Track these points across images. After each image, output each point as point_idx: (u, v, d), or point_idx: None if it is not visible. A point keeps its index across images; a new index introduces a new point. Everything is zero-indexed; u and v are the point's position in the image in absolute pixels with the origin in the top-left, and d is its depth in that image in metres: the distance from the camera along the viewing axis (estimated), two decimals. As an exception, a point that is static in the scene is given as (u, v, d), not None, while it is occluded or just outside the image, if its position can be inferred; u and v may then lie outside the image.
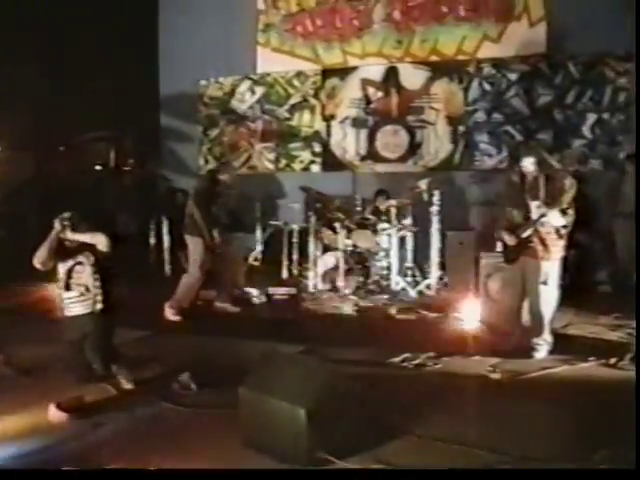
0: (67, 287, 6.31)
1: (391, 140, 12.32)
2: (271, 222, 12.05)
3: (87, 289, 6.26)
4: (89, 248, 6.30)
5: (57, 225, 6.17)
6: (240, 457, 4.77)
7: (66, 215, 6.25)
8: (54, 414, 5.54)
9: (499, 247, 7.80)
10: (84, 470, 4.15)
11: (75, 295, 6.28)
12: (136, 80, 13.53)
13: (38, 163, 15.59)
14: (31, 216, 13.84)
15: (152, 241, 12.55)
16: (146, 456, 4.70)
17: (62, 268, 6.30)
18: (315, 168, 12.98)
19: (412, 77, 12.19)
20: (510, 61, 11.52)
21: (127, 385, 6.14)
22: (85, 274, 6.28)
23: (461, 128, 11.90)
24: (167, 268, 12.07)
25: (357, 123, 12.53)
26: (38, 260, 6.20)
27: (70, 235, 6.23)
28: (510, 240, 6.99)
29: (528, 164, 6.83)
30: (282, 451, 4.67)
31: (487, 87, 11.72)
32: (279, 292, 10.10)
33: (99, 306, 6.26)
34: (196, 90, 13.72)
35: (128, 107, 13.50)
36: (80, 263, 6.30)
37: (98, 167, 15.47)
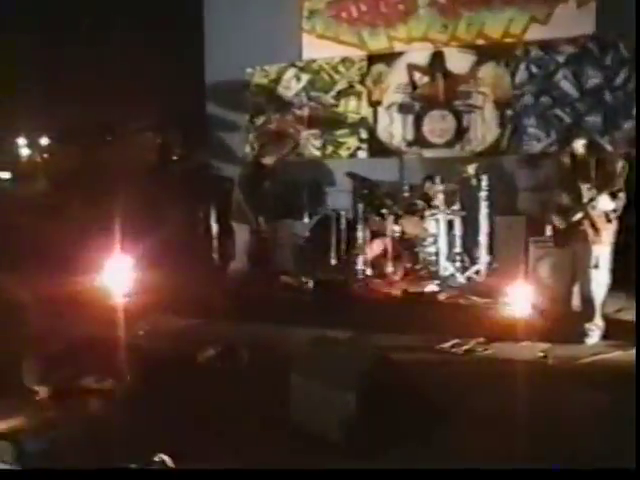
0: None
1: (438, 125, 12.23)
2: (319, 209, 12.06)
3: None
4: None
5: None
6: (289, 443, 4.79)
7: None
8: (94, 404, 5.62)
9: (549, 231, 7.71)
10: (84, 470, 4.19)
11: None
12: (182, 69, 13.60)
13: (85, 154, 15.76)
14: (80, 207, 14.01)
15: (200, 229, 12.63)
16: (195, 444, 4.74)
17: None
18: (362, 154, 12.94)
19: (458, 61, 12.07)
20: (558, 43, 11.33)
21: None
22: None
23: (509, 112, 11.76)
24: (216, 256, 12.15)
25: (404, 109, 12.45)
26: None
27: None
28: (560, 224, 6.91)
29: (579, 146, 6.75)
30: (332, 437, 4.68)
31: (535, 70, 11.55)
32: (327, 278, 10.11)
33: None
34: (242, 78, 13.74)
35: (174, 96, 13.58)
36: None
37: (145, 157, 15.59)
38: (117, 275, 10.33)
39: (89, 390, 5.84)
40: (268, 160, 9.34)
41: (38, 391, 5.66)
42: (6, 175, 20.04)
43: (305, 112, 13.38)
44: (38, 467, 4.38)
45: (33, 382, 5.66)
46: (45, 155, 26.91)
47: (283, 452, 4.68)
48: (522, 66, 11.60)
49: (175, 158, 15.78)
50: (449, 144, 12.15)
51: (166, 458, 4.31)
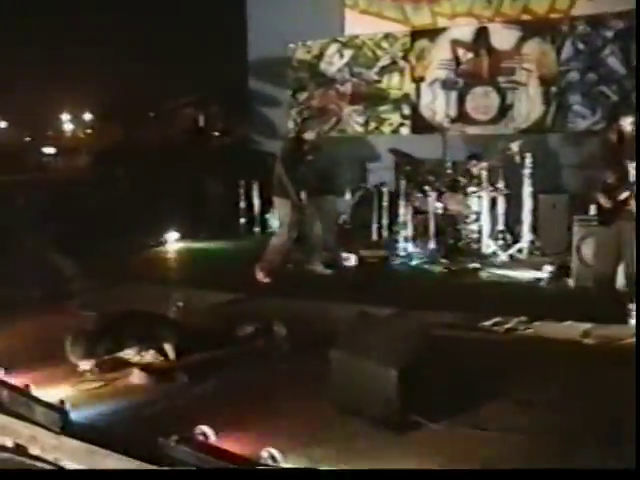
0: None
1: (481, 102, 12.11)
2: (361, 185, 12.03)
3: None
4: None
5: None
6: (332, 419, 4.81)
7: None
8: (137, 376, 5.69)
9: (593, 210, 7.62)
10: (84, 470, 4.25)
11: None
12: (225, 45, 13.60)
13: (129, 130, 15.86)
14: (124, 182, 14.14)
15: (242, 204, 12.69)
16: (238, 417, 4.78)
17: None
18: (404, 131, 12.88)
19: (503, 37, 11.92)
20: (606, 18, 11.12)
21: None
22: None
23: (554, 89, 11.60)
24: (257, 231, 12.20)
25: (447, 85, 12.34)
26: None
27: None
28: (606, 202, 6.82)
29: (626, 124, 6.65)
30: (373, 413, 4.69)
31: (581, 46, 11.36)
32: (369, 255, 10.10)
33: None
34: (284, 54, 13.72)
35: (217, 72, 13.59)
36: None
37: (187, 132, 15.66)
38: (158, 248, 10.47)
39: (130, 363, 5.93)
40: (309, 135, 9.33)
41: (81, 365, 5.74)
42: (51, 150, 20.26)
43: (348, 88, 13.34)
44: (83, 436, 4.46)
45: (76, 356, 5.74)
46: (88, 131, 27.17)
47: (324, 428, 4.71)
48: (568, 42, 11.42)
49: (217, 133, 15.83)
50: (493, 121, 12.03)
51: (207, 430, 4.35)
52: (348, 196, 11.96)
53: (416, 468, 4.11)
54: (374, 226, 11.39)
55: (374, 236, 11.36)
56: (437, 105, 12.50)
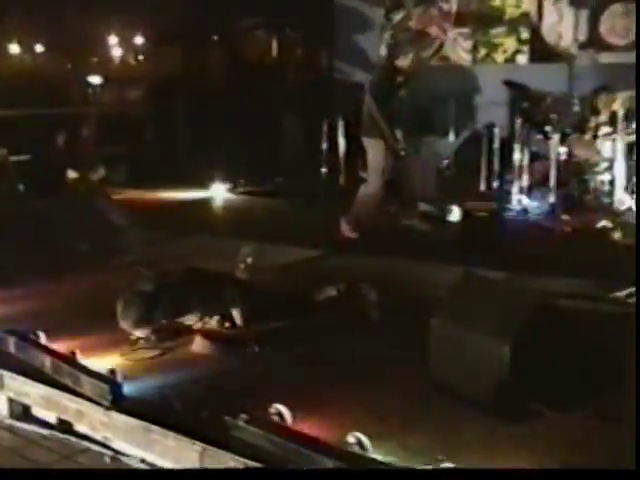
0: None
1: (620, 22, 11.81)
2: (468, 124, 11.94)
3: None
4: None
5: None
6: (430, 401, 4.82)
7: None
8: (200, 345, 5.79)
9: None
10: (84, 470, 4.31)
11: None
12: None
13: (187, 57, 15.92)
14: (180, 118, 14.26)
15: (325, 146, 12.70)
16: (319, 396, 4.83)
17: None
18: (522, 59, 12.68)
19: None
20: None
21: None
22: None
23: None
24: (342, 177, 12.22)
25: (576, 1, 12.06)
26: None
27: None
28: None
29: None
30: (479, 395, 4.68)
31: None
32: (476, 207, 10.04)
33: None
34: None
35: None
36: None
37: (259, 60, 15.67)
38: (222, 193, 10.56)
39: (191, 330, 6.03)
40: (403, 61, 9.26)
41: (135, 332, 5.85)
42: (96, 79, 20.50)
43: (453, 7, 13.17)
44: (137, 412, 4.57)
45: (128, 323, 5.84)
46: (140, 57, 27.40)
47: (420, 412, 4.72)
48: None
49: (295, 61, 15.81)
50: (632, 46, 11.71)
51: (283, 409, 4.40)
52: (452, 137, 11.88)
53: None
54: (483, 174, 11.29)
55: (482, 185, 11.27)
56: (563, 27, 12.24)
